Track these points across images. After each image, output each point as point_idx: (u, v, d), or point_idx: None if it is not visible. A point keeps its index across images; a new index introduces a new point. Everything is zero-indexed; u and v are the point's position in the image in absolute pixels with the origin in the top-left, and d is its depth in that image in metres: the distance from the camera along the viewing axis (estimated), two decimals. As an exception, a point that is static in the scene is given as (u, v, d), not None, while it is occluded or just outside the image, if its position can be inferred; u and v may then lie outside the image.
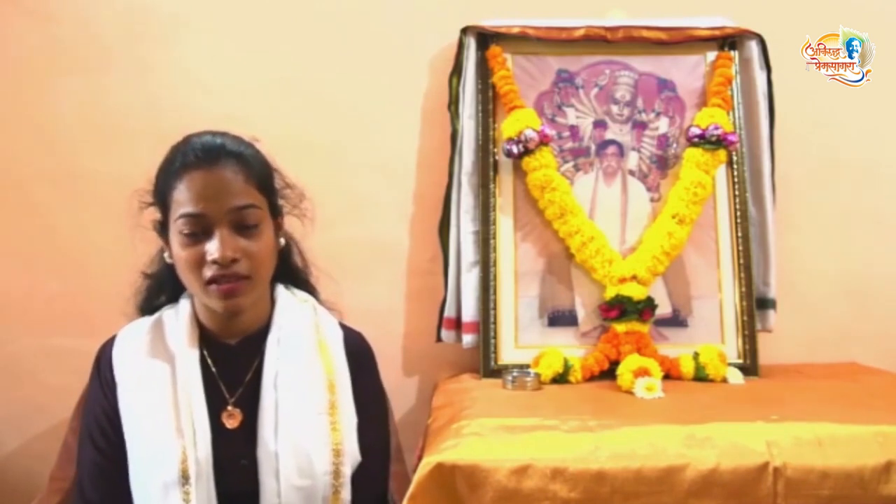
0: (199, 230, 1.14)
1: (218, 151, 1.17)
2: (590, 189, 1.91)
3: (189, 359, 1.18)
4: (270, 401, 1.17)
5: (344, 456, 1.17)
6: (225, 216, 1.14)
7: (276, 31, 1.99)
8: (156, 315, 1.26)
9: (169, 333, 1.21)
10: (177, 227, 1.15)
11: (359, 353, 1.27)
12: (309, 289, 1.34)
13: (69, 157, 1.97)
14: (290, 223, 1.31)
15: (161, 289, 1.28)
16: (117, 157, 1.93)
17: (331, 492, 1.16)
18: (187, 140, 1.21)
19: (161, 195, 1.20)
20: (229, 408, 1.19)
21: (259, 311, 1.23)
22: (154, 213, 1.24)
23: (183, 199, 1.15)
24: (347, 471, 1.18)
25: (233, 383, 1.20)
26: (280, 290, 1.27)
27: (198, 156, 1.16)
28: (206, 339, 1.22)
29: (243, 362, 1.22)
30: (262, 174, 1.22)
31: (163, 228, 1.21)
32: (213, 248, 1.13)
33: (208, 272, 1.14)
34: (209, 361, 1.21)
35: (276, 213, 1.25)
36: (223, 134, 1.22)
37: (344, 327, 1.29)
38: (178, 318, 1.22)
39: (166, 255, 1.22)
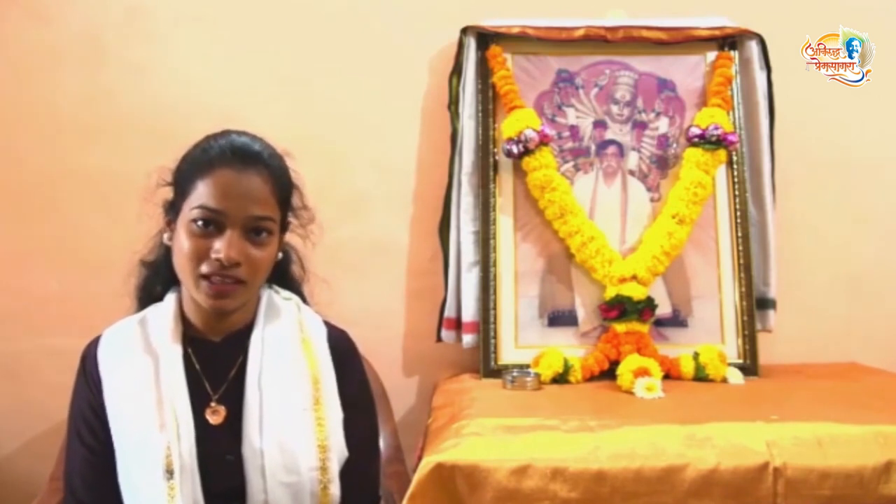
0: (213, 225, 1.15)
1: (255, 158, 1.19)
2: (590, 189, 1.91)
3: (173, 356, 1.19)
4: (255, 398, 1.18)
5: (330, 451, 1.18)
6: (241, 221, 1.16)
7: (276, 31, 2.00)
8: (141, 313, 1.27)
9: (153, 331, 1.22)
10: (190, 216, 1.15)
11: (343, 350, 1.28)
12: (300, 295, 1.35)
13: (69, 157, 1.97)
14: (293, 239, 1.32)
15: (157, 277, 1.29)
16: (117, 157, 1.94)
17: (318, 487, 1.16)
18: (226, 134, 1.22)
19: (183, 179, 1.20)
20: (213, 404, 1.19)
21: (244, 309, 1.24)
22: (166, 192, 1.24)
23: (207, 191, 1.15)
24: (335, 466, 1.18)
25: (216, 380, 1.21)
26: (265, 288, 1.28)
27: (235, 154, 1.17)
28: (191, 337, 1.23)
29: (227, 359, 1.22)
30: (285, 190, 1.24)
31: (171, 209, 1.22)
32: (220, 247, 1.14)
33: (206, 268, 1.14)
34: (193, 359, 1.21)
35: (284, 227, 1.27)
36: (261, 140, 1.23)
37: (327, 324, 1.30)
38: (162, 316, 1.23)
39: (166, 236, 1.23)
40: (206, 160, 1.18)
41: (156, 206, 1.25)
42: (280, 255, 1.26)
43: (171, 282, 1.25)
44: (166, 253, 1.24)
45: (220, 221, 1.15)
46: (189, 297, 1.22)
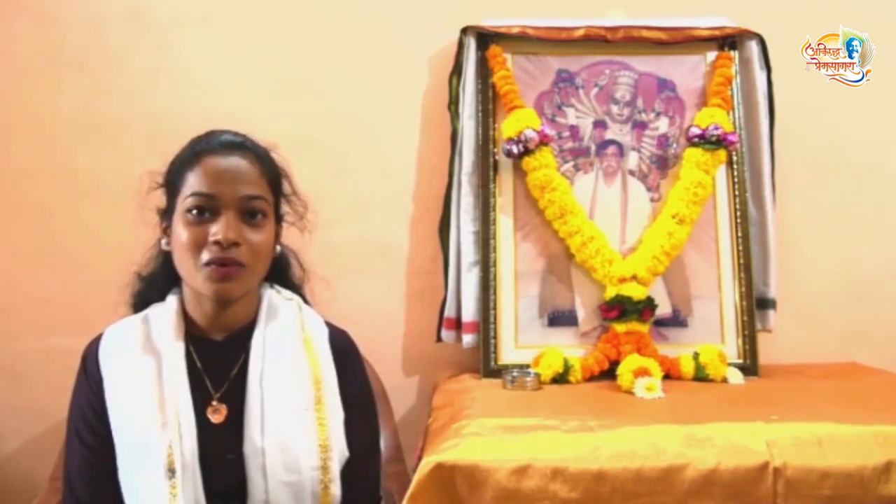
0: (207, 211, 1.17)
1: (238, 145, 1.22)
2: (590, 189, 1.91)
3: (175, 354, 1.20)
4: (256, 397, 1.18)
5: (331, 451, 1.18)
6: (235, 202, 1.17)
7: (277, 32, 2.00)
8: (143, 312, 1.27)
9: (155, 329, 1.23)
10: (185, 206, 1.17)
11: (344, 350, 1.28)
12: (301, 296, 1.35)
13: (69, 157, 1.97)
14: (291, 233, 1.32)
15: (153, 290, 1.30)
16: (117, 157, 1.94)
17: (319, 487, 1.16)
18: (209, 133, 1.25)
19: (174, 177, 1.22)
20: (214, 402, 1.20)
21: (246, 307, 1.25)
22: (160, 199, 1.26)
23: (197, 179, 1.18)
24: (335, 466, 1.18)
25: (218, 379, 1.21)
26: (266, 288, 1.29)
27: (220, 144, 1.21)
28: (192, 336, 1.24)
29: (229, 358, 1.23)
30: (274, 174, 1.26)
31: (166, 214, 1.23)
32: (216, 229, 1.15)
33: (207, 254, 1.15)
34: (195, 357, 1.22)
35: (278, 216, 1.27)
36: (244, 135, 1.27)
37: (329, 325, 1.31)
38: (164, 315, 1.24)
39: (164, 241, 1.24)
40: (193, 154, 1.21)
41: (150, 211, 1.26)
42: (278, 248, 1.27)
43: (168, 293, 1.26)
44: (164, 262, 1.25)
45: (214, 206, 1.16)
46: (191, 296, 1.23)
